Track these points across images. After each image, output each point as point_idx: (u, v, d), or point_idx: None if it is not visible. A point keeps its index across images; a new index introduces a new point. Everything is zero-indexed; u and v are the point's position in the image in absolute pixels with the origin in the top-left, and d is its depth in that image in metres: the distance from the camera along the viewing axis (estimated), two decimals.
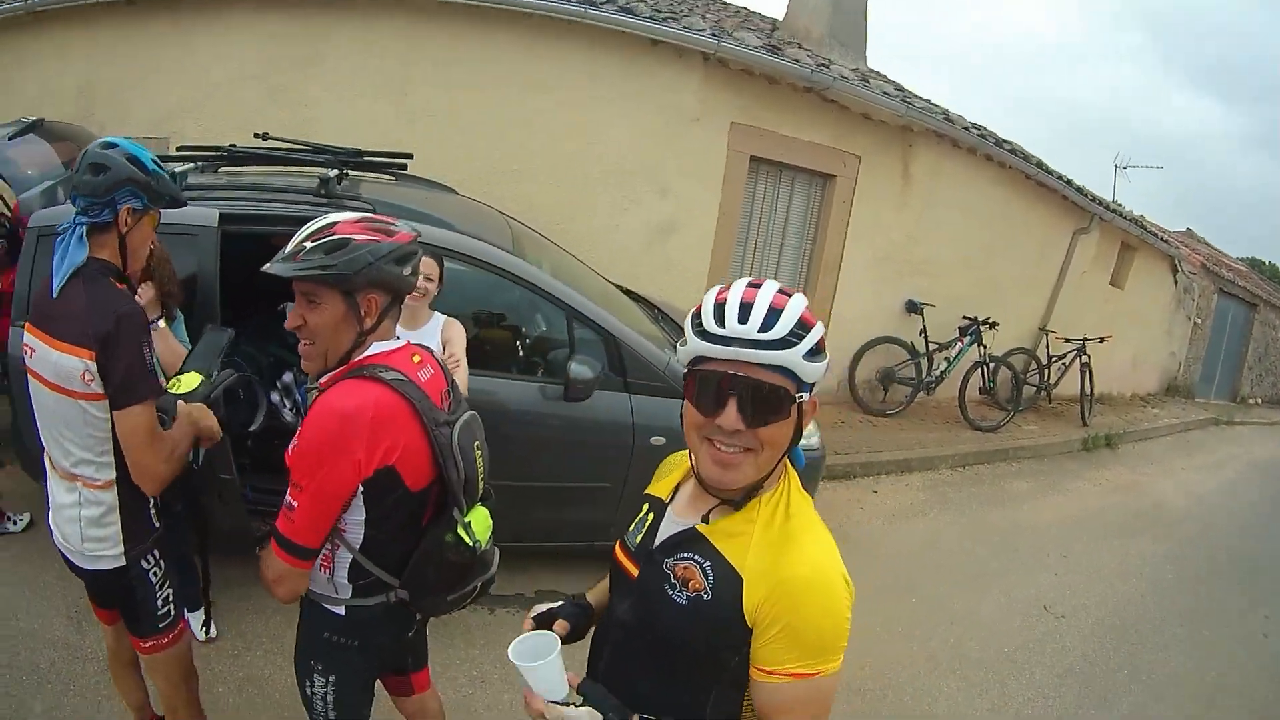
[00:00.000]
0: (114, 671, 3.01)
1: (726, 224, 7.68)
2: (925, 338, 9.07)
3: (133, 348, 2.22)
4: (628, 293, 5.70)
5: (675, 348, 3.96)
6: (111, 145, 2.31)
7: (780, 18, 9.54)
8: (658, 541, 1.59)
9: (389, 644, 2.28)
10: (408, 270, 2.01)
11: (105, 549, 2.40)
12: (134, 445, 2.26)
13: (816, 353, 1.40)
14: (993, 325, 9.30)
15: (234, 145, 4.76)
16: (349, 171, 4.46)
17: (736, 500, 1.50)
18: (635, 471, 4.19)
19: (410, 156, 4.73)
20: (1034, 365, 10.44)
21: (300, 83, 7.08)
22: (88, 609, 2.88)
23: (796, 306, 1.40)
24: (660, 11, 7.22)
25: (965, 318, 9.28)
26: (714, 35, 6.97)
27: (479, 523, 2.09)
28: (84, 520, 2.38)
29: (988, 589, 5.33)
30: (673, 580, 1.51)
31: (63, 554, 2.53)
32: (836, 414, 8.60)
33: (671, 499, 1.67)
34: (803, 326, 1.38)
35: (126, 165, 2.28)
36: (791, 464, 1.57)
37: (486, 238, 4.32)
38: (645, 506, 1.71)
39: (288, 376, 4.74)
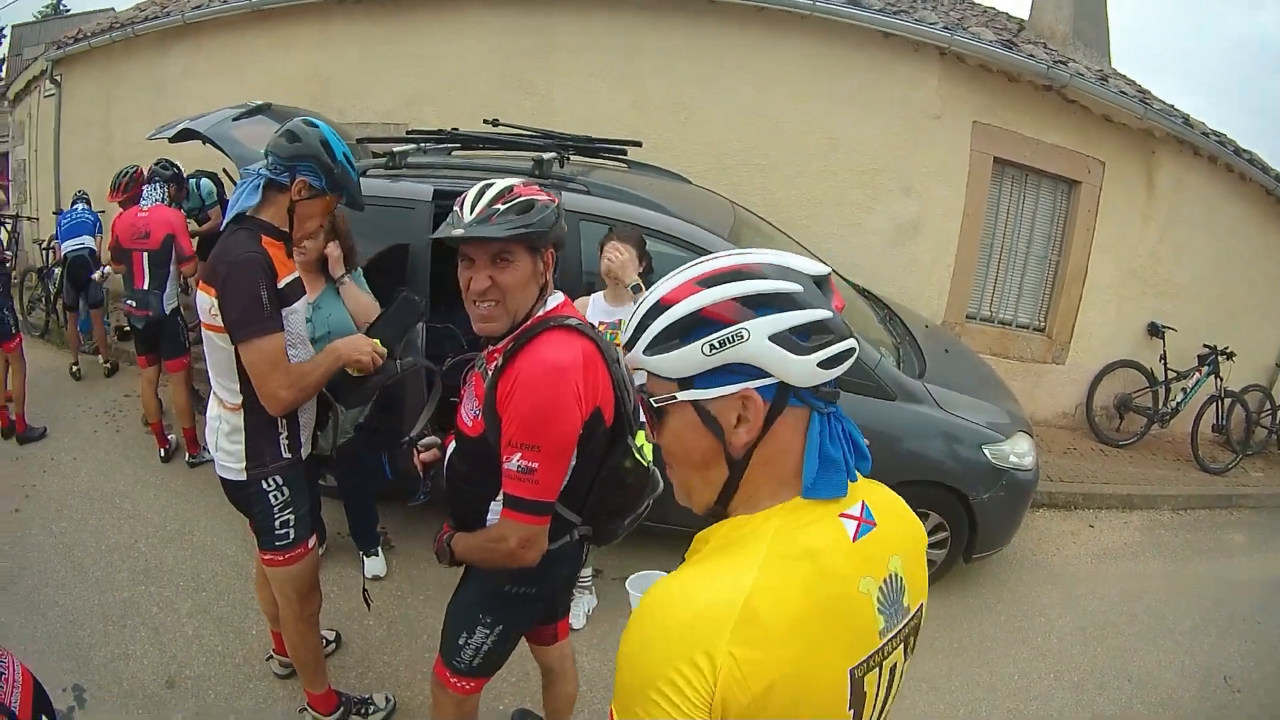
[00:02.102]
0: (258, 581, 3.28)
1: (971, 227, 6.89)
2: (1165, 364, 7.87)
3: (245, 289, 2.36)
4: (863, 292, 5.21)
5: (896, 349, 4.01)
6: (313, 124, 2.51)
7: (1027, 17, 8.71)
8: None
9: (564, 586, 2.36)
10: (564, 227, 2.02)
11: (230, 462, 2.63)
12: (254, 374, 2.44)
13: None
14: (1230, 356, 7.96)
15: (456, 129, 4.93)
16: (569, 155, 4.52)
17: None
18: None
19: (638, 144, 4.60)
20: (1268, 405, 8.93)
21: (536, 74, 6.97)
22: None
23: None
24: (892, 5, 6.62)
25: (1205, 346, 7.99)
26: (946, 29, 6.32)
27: (645, 444, 2.12)
28: (219, 433, 2.64)
29: (1174, 648, 4.57)
30: None
31: None
32: (1070, 439, 7.58)
33: None
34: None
35: (316, 144, 2.45)
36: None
37: (702, 223, 4.19)
38: None
39: None
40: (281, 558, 2.75)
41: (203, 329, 2.54)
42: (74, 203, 7.46)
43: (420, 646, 3.80)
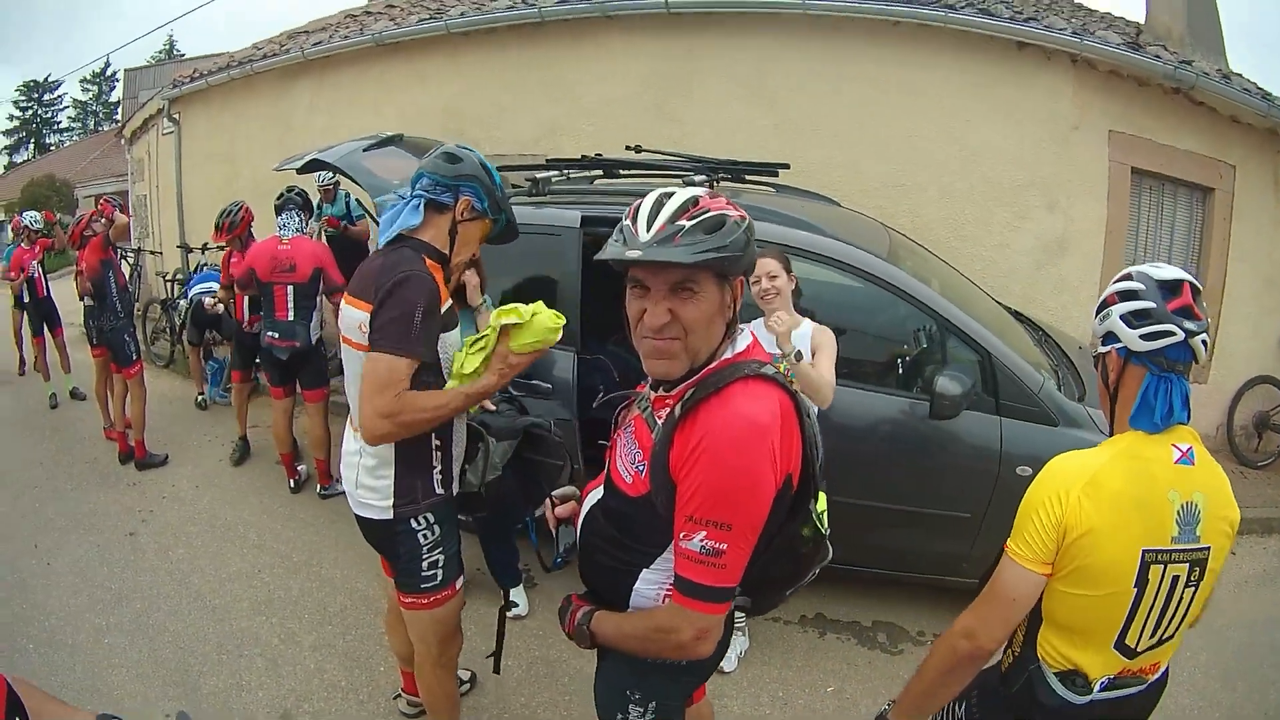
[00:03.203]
0: (389, 620, 3.05)
1: (1114, 243, 6.41)
2: None
3: (403, 304, 2.15)
4: (1014, 314, 4.81)
5: (1055, 372, 3.87)
6: (468, 149, 2.40)
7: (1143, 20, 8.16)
8: None
9: (714, 658, 1.86)
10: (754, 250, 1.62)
11: (374, 499, 2.37)
12: (365, 385, 2.18)
13: None
14: None
15: (599, 154, 4.67)
16: (719, 180, 4.16)
17: None
18: (997, 503, 3.53)
19: (786, 166, 4.26)
20: None
21: (677, 100, 6.70)
22: None
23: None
24: (1020, 14, 6.23)
25: None
26: (1075, 34, 5.92)
27: (825, 509, 1.72)
28: (361, 468, 2.37)
29: None
30: None
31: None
32: None
33: None
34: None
35: (478, 166, 2.36)
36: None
37: (859, 244, 3.86)
38: None
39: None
40: (425, 600, 2.48)
41: (346, 348, 2.36)
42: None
43: (560, 689, 3.52)
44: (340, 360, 2.80)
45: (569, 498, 2.03)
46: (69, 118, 46.38)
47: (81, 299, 6.17)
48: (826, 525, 1.69)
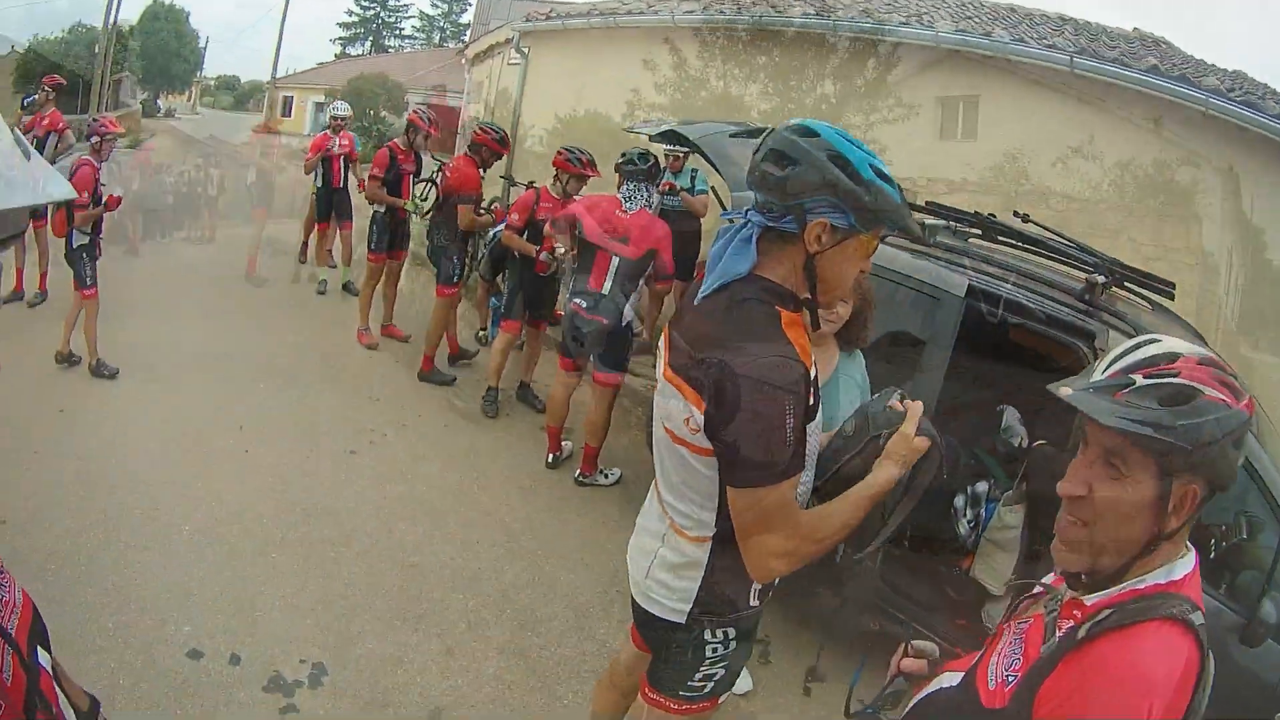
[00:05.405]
0: (601, 688, 2.40)
1: None
2: None
3: (769, 422, 1.46)
4: None
5: None
6: (810, 133, 1.49)
7: None
8: None
9: None
10: (1240, 457, 1.11)
11: (667, 598, 1.79)
12: (745, 530, 1.58)
13: None
14: None
15: (992, 215, 4.03)
16: (1112, 284, 3.48)
17: None
18: None
19: (1172, 285, 3.72)
20: None
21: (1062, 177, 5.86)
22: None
23: None
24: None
25: None
26: None
27: None
28: (658, 559, 1.81)
29: None
30: None
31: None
32: None
33: None
34: None
35: (825, 164, 1.46)
36: None
37: None
38: None
39: (982, 486, 3.80)
40: (674, 706, 1.92)
41: (667, 437, 1.70)
42: None
43: None
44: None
45: (926, 654, 1.61)
46: (413, 27, 50.14)
47: (372, 204, 6.10)
48: None
